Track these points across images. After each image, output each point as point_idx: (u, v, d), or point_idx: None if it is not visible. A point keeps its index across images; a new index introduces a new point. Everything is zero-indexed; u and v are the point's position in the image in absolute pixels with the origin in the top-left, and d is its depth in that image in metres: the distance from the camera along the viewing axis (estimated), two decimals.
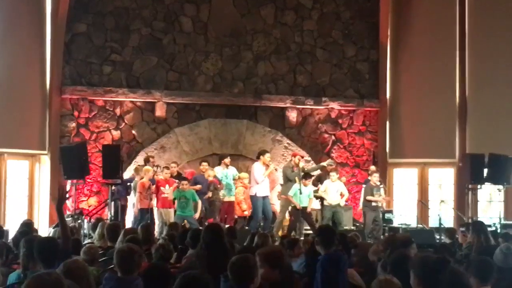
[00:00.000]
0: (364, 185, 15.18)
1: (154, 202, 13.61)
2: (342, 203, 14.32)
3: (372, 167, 15.36)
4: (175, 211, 13.46)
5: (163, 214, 13.43)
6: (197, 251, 6.45)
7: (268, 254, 5.08)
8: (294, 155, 14.67)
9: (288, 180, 14.28)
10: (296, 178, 13.94)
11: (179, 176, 14.21)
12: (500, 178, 14.23)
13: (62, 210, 6.50)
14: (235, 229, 10.93)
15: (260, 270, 4.94)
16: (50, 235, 11.82)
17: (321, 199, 14.41)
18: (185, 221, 13.07)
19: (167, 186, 13.54)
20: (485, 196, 15.78)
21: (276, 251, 5.16)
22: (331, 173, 14.40)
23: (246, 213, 14.40)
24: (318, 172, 15.39)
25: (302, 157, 14.96)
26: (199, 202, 13.54)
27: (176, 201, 13.41)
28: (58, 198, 6.67)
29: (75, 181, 13.17)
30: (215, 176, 14.10)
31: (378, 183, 14.52)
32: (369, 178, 14.83)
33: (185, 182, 13.49)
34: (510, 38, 15.98)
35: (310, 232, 13.31)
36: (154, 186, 13.48)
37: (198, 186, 13.85)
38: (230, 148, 16.17)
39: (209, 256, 6.06)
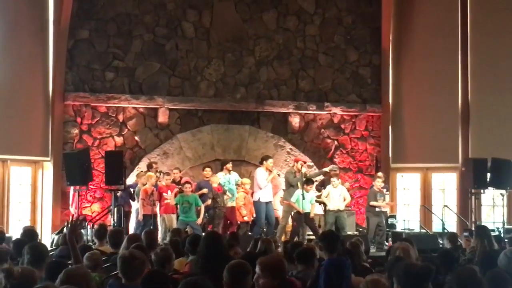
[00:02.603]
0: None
1: (157, 208, 13.62)
2: (342, 207, 14.22)
3: (379, 173, 15.19)
4: (177, 217, 13.45)
5: (166, 220, 13.42)
6: (196, 259, 6.45)
7: (270, 264, 5.05)
8: (297, 161, 14.65)
9: (290, 186, 14.27)
10: (298, 184, 13.93)
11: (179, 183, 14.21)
12: (503, 183, 14.21)
13: (74, 240, 6.41)
14: (237, 234, 10.92)
15: (261, 279, 4.91)
16: (54, 241, 11.89)
17: (324, 204, 14.38)
18: (188, 227, 13.06)
19: (169, 192, 13.53)
20: (488, 200, 15.75)
21: (279, 262, 5.13)
22: (332, 179, 14.36)
23: (246, 218, 14.34)
24: (320, 177, 15.38)
25: (305, 162, 14.93)
26: (202, 207, 13.53)
27: (178, 206, 13.39)
28: (70, 228, 6.52)
29: (78, 187, 13.18)
30: (219, 184, 14.09)
31: (383, 189, 14.47)
32: (373, 183, 14.79)
33: (188, 185, 13.49)
34: None
35: (313, 237, 13.30)
36: (156, 192, 13.48)
37: (205, 190, 13.82)
38: (232, 153, 16.17)
39: (207, 263, 6.06)
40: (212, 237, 6.48)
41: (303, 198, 13.53)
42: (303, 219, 13.62)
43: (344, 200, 14.27)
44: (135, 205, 13.95)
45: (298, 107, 16.70)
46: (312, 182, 14.14)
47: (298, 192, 13.68)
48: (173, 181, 14.03)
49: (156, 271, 5.31)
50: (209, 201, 13.83)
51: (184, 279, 4.50)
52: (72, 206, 14.20)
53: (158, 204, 13.54)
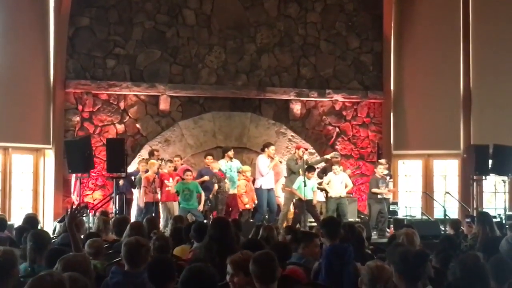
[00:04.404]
0: None
1: (159, 195, 13.65)
2: (344, 193, 14.22)
3: (382, 160, 15.17)
4: (179, 204, 13.46)
5: (168, 207, 13.44)
6: (204, 245, 6.45)
7: (241, 262, 5.04)
8: (298, 148, 14.64)
9: (292, 173, 14.25)
10: (300, 171, 13.93)
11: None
12: (505, 169, 14.18)
13: (73, 227, 6.41)
14: (240, 221, 10.94)
15: (235, 278, 4.90)
16: (56, 229, 11.91)
17: (326, 191, 14.37)
18: (189, 214, 13.07)
19: (170, 179, 13.54)
20: (490, 187, 15.75)
21: (249, 258, 5.15)
22: (334, 167, 14.33)
23: (248, 206, 14.35)
24: (322, 164, 15.37)
25: (306, 149, 14.92)
26: (203, 194, 13.53)
27: (179, 194, 13.39)
28: (69, 215, 6.52)
29: (79, 175, 13.19)
30: (219, 169, 14.09)
31: (387, 176, 14.44)
32: (375, 170, 14.78)
33: (188, 173, 13.49)
34: None
35: (315, 224, 13.31)
36: (158, 179, 13.50)
37: (206, 177, 13.82)
38: (234, 141, 16.17)
39: (216, 250, 6.06)
40: (220, 224, 6.48)
41: (305, 185, 13.52)
42: (305, 206, 13.62)
43: (346, 186, 14.27)
44: (136, 192, 13.98)
45: (300, 94, 16.68)
46: (314, 169, 14.14)
47: (300, 179, 13.67)
48: (175, 169, 14.04)
49: (161, 257, 5.31)
50: (216, 186, 13.84)
51: (189, 266, 4.50)
52: (74, 194, 14.24)
53: (159, 191, 13.56)
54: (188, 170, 13.74)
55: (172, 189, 13.38)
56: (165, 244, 6.62)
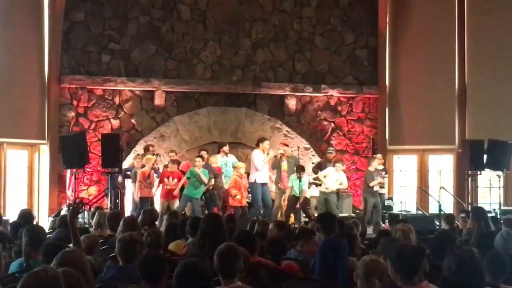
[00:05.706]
0: None
1: (153, 191, 13.65)
2: (334, 188, 14.11)
3: (379, 155, 15.10)
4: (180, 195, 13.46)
5: (164, 205, 13.42)
6: (196, 240, 6.46)
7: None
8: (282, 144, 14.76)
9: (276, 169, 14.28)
10: (281, 166, 13.97)
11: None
12: (500, 164, 14.19)
13: (75, 222, 6.39)
14: (234, 217, 10.92)
15: None
16: (50, 224, 11.89)
17: (321, 182, 14.27)
18: (188, 205, 13.08)
19: (170, 178, 13.51)
20: (485, 182, 15.77)
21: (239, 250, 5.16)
22: (336, 164, 14.24)
23: (238, 197, 13.94)
24: (317, 160, 15.34)
25: (286, 144, 14.81)
26: (212, 181, 13.54)
27: (189, 180, 13.37)
28: (72, 210, 6.51)
29: (74, 170, 13.17)
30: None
31: (382, 171, 14.40)
32: (371, 163, 14.71)
33: (199, 159, 13.44)
34: (509, 24, 15.92)
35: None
36: (157, 176, 13.50)
37: None
38: (229, 136, 16.17)
39: (209, 244, 6.07)
40: (211, 220, 6.49)
41: (300, 181, 13.50)
42: (297, 202, 13.59)
43: (341, 184, 14.15)
44: (131, 187, 13.97)
45: (295, 89, 16.67)
46: (303, 169, 13.95)
47: (294, 176, 13.66)
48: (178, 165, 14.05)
49: (152, 253, 5.30)
50: (212, 181, 13.79)
51: (183, 261, 4.49)
52: (69, 189, 14.22)
53: (155, 187, 13.56)
54: (199, 156, 13.67)
55: (178, 186, 13.39)
56: (157, 239, 6.60)
